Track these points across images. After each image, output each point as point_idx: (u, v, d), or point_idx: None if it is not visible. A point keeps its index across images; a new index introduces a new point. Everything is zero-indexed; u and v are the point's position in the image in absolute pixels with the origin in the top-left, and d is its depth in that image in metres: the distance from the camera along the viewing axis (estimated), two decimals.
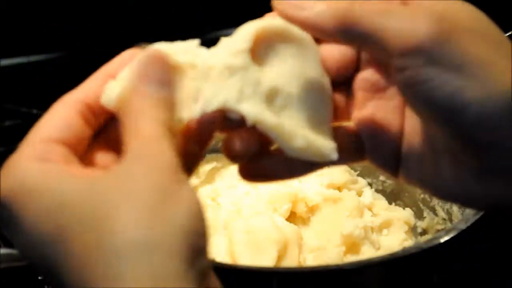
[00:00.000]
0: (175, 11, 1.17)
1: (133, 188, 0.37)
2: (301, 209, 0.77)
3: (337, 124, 0.48)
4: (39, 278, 0.76)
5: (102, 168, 0.43)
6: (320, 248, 0.72)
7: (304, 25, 0.44)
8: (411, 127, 0.46)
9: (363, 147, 0.47)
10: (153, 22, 1.19)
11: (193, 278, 0.36)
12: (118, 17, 1.18)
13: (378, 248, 0.75)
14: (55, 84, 1.13)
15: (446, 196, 0.47)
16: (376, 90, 0.47)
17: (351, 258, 0.72)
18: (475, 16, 0.43)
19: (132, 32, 1.19)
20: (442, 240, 0.61)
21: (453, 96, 0.41)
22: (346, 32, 0.42)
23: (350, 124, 0.48)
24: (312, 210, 0.77)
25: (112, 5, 1.17)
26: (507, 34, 0.67)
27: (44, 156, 0.41)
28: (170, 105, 0.42)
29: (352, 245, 0.73)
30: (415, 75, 0.41)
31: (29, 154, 0.41)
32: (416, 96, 0.42)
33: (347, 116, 0.48)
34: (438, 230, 0.80)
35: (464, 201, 0.46)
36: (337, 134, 0.47)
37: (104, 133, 0.45)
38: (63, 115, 0.43)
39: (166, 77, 0.43)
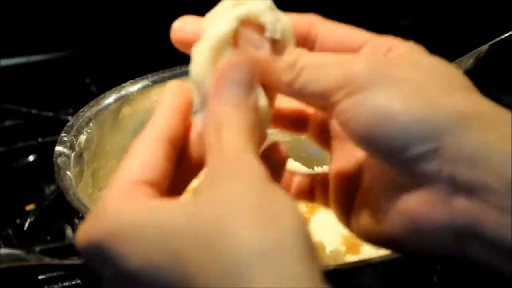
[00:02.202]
0: (175, 11, 1.17)
1: (237, 206, 0.38)
2: (301, 209, 0.77)
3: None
4: (39, 278, 0.76)
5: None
6: (320, 248, 0.72)
7: (257, 65, 0.45)
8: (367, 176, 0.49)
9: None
10: (153, 22, 1.19)
11: (319, 277, 0.37)
12: (118, 17, 1.18)
13: (378, 248, 0.75)
14: (55, 84, 1.13)
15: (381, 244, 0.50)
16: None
17: (351, 258, 0.72)
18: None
19: (132, 32, 1.19)
20: None
21: (373, 115, 0.43)
22: (291, 88, 0.46)
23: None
24: (312, 210, 0.77)
25: (112, 5, 1.17)
26: (507, 34, 0.67)
27: (131, 196, 0.41)
28: (254, 111, 0.43)
29: (352, 245, 0.73)
30: (346, 107, 0.44)
31: (116, 197, 0.42)
32: (347, 125, 0.45)
33: None
34: None
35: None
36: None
37: (184, 159, 0.46)
38: (143, 156, 0.44)
39: (249, 81, 0.43)
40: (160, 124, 0.45)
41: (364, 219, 0.48)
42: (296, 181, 0.52)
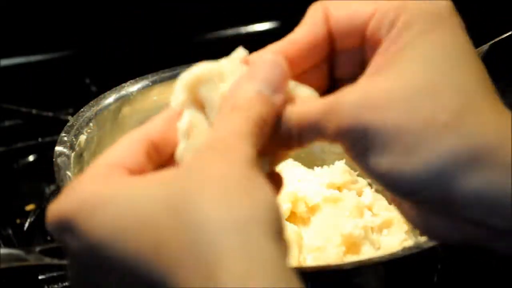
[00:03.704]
0: (175, 11, 1.17)
1: (213, 175, 0.38)
2: (301, 209, 0.77)
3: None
4: (39, 278, 0.77)
5: None
6: (320, 248, 0.72)
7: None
8: None
9: None
10: (153, 22, 1.19)
11: (285, 258, 0.37)
12: (118, 17, 1.18)
13: (378, 248, 0.75)
14: (55, 84, 1.13)
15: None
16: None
17: (351, 258, 0.72)
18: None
19: (132, 32, 1.19)
20: None
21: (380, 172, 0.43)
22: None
23: None
24: (312, 210, 0.77)
25: (112, 5, 1.17)
26: (507, 34, 0.67)
27: (106, 175, 0.41)
28: (272, 109, 0.43)
29: (352, 245, 0.73)
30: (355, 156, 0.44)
31: (90, 176, 0.42)
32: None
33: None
34: None
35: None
36: None
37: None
38: (127, 147, 0.44)
39: (278, 81, 0.43)
40: (152, 127, 0.46)
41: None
42: None
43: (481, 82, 0.43)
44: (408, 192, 0.43)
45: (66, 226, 0.40)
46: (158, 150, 0.45)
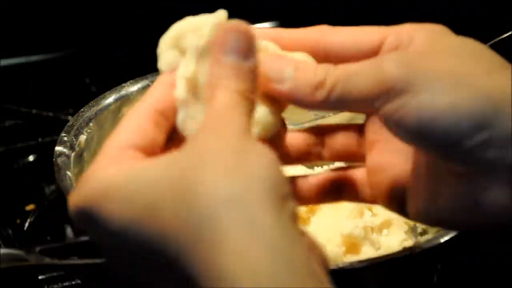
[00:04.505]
0: (175, 11, 1.17)
1: (210, 152, 0.39)
2: (301, 209, 0.77)
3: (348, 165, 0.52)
4: (39, 278, 0.77)
5: None
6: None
7: (285, 99, 0.47)
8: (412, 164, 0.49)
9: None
10: (153, 22, 1.19)
11: (285, 222, 0.38)
12: (118, 17, 1.18)
13: (378, 248, 0.75)
14: (55, 84, 1.13)
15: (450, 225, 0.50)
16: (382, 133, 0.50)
17: (351, 258, 0.72)
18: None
19: (132, 32, 1.19)
20: (442, 240, 0.61)
21: (420, 116, 0.43)
22: (327, 103, 0.46)
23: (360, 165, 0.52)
24: (312, 210, 0.77)
25: (112, 5, 1.17)
26: (507, 34, 0.67)
27: (119, 160, 0.43)
28: (250, 75, 0.44)
29: (352, 245, 0.73)
30: (390, 111, 0.44)
31: (104, 162, 0.43)
32: (396, 128, 0.45)
33: (359, 157, 0.52)
34: (438, 230, 0.80)
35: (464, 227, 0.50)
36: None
37: (176, 135, 0.47)
38: (135, 123, 0.45)
39: (246, 47, 0.44)
40: (153, 96, 0.47)
41: (421, 205, 0.48)
42: (314, 182, 0.52)
43: (504, 61, 0.46)
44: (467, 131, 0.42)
45: (86, 216, 0.42)
46: (165, 116, 0.46)
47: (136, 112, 0.46)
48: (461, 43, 0.46)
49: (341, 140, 0.53)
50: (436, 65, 0.44)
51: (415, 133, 0.44)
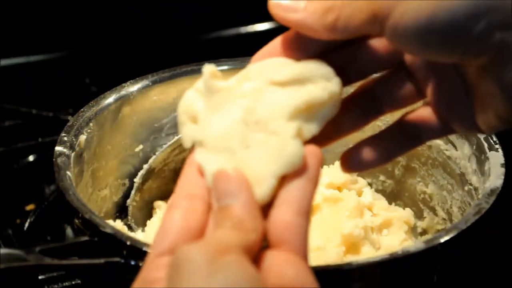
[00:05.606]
0: (175, 11, 1.17)
1: None
2: None
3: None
4: (39, 278, 0.76)
5: None
6: (320, 248, 0.72)
7: (297, 27, 0.49)
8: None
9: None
10: (153, 22, 1.19)
11: None
12: (118, 17, 1.18)
13: (378, 248, 0.75)
14: (55, 84, 1.13)
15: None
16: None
17: (351, 258, 0.72)
18: None
19: (132, 32, 1.19)
20: (442, 240, 0.61)
21: (419, 18, 0.45)
22: (336, 30, 0.48)
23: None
24: (312, 210, 0.77)
25: (112, 5, 1.17)
26: None
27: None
28: (255, 231, 0.46)
29: (352, 245, 0.73)
30: (392, 25, 0.46)
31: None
32: (405, 39, 0.46)
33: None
34: (438, 230, 0.80)
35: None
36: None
37: None
38: (175, 223, 0.47)
39: (251, 212, 0.46)
40: (184, 184, 0.49)
41: (490, 115, 0.49)
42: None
43: None
44: None
45: None
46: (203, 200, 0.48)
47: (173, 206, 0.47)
48: None
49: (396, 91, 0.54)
50: None
51: (421, 34, 0.45)
